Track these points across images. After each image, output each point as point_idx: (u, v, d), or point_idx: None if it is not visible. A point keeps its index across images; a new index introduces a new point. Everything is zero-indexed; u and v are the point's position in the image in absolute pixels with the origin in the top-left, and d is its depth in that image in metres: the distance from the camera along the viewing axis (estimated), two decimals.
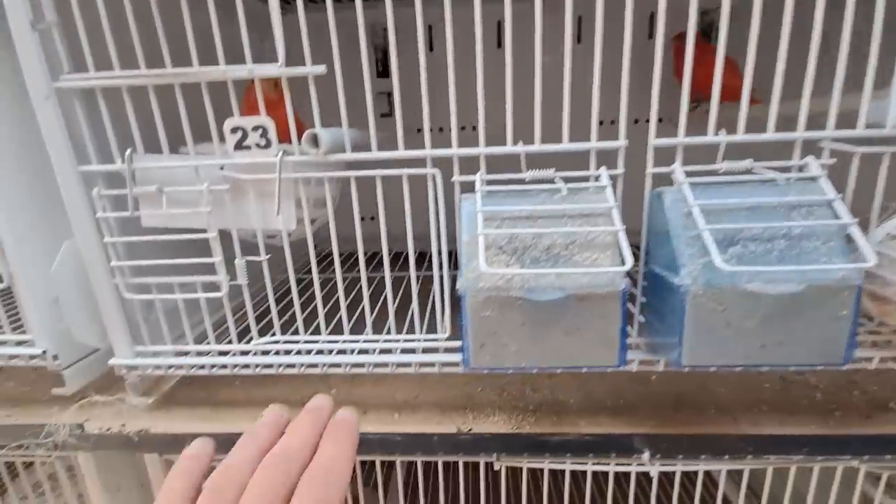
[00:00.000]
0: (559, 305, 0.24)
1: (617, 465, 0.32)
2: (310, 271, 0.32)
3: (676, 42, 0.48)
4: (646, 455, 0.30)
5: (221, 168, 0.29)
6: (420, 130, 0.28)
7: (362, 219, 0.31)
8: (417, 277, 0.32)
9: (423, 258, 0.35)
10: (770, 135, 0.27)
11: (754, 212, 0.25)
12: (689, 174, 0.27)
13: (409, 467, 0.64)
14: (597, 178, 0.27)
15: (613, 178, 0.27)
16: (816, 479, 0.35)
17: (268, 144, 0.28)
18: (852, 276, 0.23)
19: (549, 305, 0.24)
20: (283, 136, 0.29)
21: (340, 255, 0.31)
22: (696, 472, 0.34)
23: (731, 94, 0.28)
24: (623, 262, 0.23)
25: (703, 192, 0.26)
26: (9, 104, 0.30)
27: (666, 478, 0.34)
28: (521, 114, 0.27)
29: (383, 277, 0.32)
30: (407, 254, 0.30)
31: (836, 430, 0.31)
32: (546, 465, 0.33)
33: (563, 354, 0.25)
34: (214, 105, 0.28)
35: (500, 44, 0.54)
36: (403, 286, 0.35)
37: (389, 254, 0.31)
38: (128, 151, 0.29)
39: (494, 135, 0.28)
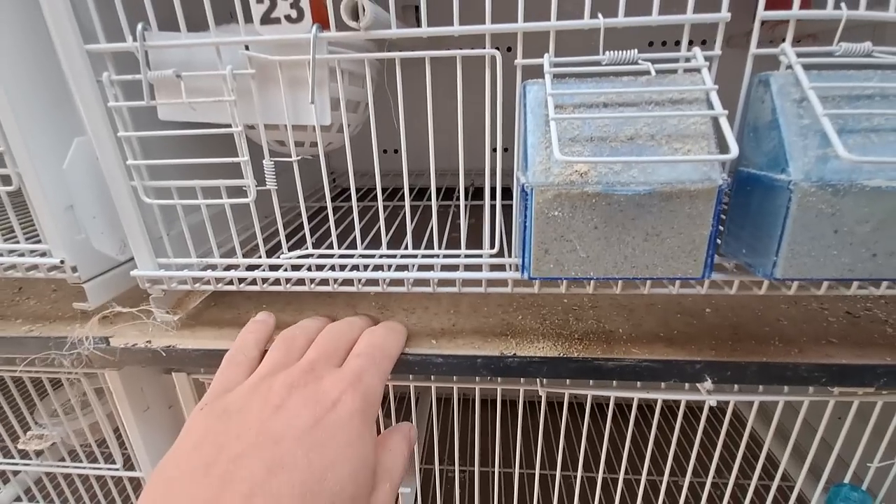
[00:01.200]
0: (640, 204, 0.21)
1: (667, 393, 0.30)
2: (332, 199, 0.28)
3: None
4: (707, 383, 0.28)
5: (246, 48, 0.25)
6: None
7: (384, 151, 0.28)
8: (466, 206, 0.29)
9: (449, 194, 0.31)
10: (892, 13, 0.22)
11: (877, 98, 0.21)
12: (801, 56, 0.22)
13: (440, 405, 0.65)
14: (688, 60, 0.23)
15: (709, 60, 0.23)
16: (877, 414, 0.33)
17: (300, 17, 0.24)
18: None
19: (628, 204, 0.21)
20: (317, 17, 0.25)
21: (358, 188, 0.28)
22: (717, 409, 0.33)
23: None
24: (728, 151, 0.20)
25: (819, 77, 0.22)
26: None
27: (690, 413, 0.33)
28: None
29: (416, 206, 0.28)
30: (443, 188, 0.26)
31: None
32: (589, 391, 0.31)
33: (638, 263, 0.22)
34: None
35: None
36: (439, 212, 0.31)
37: (413, 191, 0.28)
38: (139, 27, 0.25)
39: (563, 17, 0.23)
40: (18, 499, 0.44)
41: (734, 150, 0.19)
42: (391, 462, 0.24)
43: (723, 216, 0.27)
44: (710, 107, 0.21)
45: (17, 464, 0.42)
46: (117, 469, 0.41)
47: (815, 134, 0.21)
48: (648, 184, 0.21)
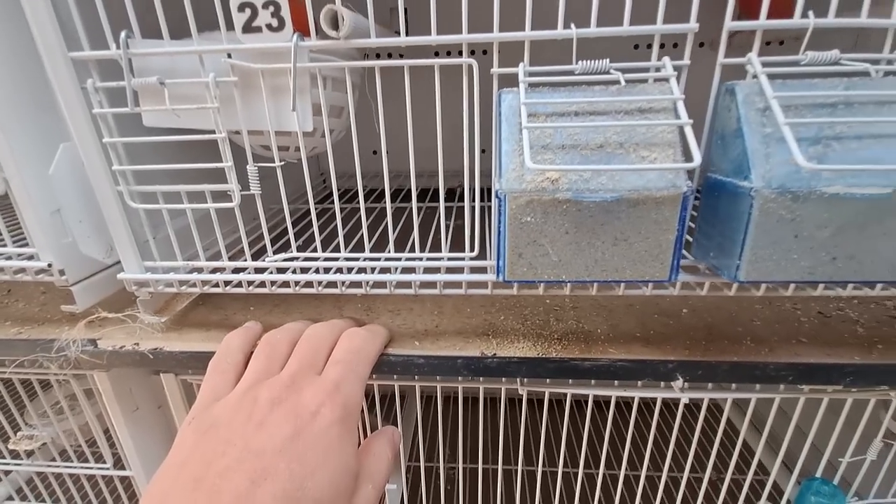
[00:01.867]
0: (609, 210, 0.22)
1: (643, 391, 0.31)
2: (321, 201, 0.29)
3: None
4: (678, 382, 0.29)
5: (229, 56, 0.26)
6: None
7: (373, 152, 0.28)
8: (446, 209, 0.29)
9: (436, 196, 0.32)
10: (863, 20, 0.23)
11: (840, 107, 0.22)
12: (766, 65, 0.23)
13: (426, 404, 0.66)
14: (658, 70, 0.24)
15: (678, 70, 0.23)
16: (847, 411, 0.34)
17: (280, 26, 0.25)
18: None
19: (597, 210, 0.22)
20: (298, 26, 0.26)
21: (346, 190, 0.28)
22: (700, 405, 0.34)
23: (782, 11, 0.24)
24: (690, 160, 0.20)
25: (783, 87, 0.23)
26: None
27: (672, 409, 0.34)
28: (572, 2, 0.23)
29: (397, 209, 0.29)
30: (424, 189, 0.27)
31: (880, 361, 0.29)
32: (569, 390, 0.32)
33: (608, 266, 0.23)
34: None
35: None
36: (422, 214, 0.32)
37: (399, 192, 0.28)
38: (122, 34, 0.25)
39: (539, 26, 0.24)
40: (10, 498, 0.45)
41: (697, 159, 0.20)
42: (374, 465, 0.25)
43: (692, 221, 0.27)
44: (677, 116, 0.22)
45: (7, 464, 0.42)
46: (108, 469, 0.42)
47: (777, 142, 0.22)
48: (616, 191, 0.21)
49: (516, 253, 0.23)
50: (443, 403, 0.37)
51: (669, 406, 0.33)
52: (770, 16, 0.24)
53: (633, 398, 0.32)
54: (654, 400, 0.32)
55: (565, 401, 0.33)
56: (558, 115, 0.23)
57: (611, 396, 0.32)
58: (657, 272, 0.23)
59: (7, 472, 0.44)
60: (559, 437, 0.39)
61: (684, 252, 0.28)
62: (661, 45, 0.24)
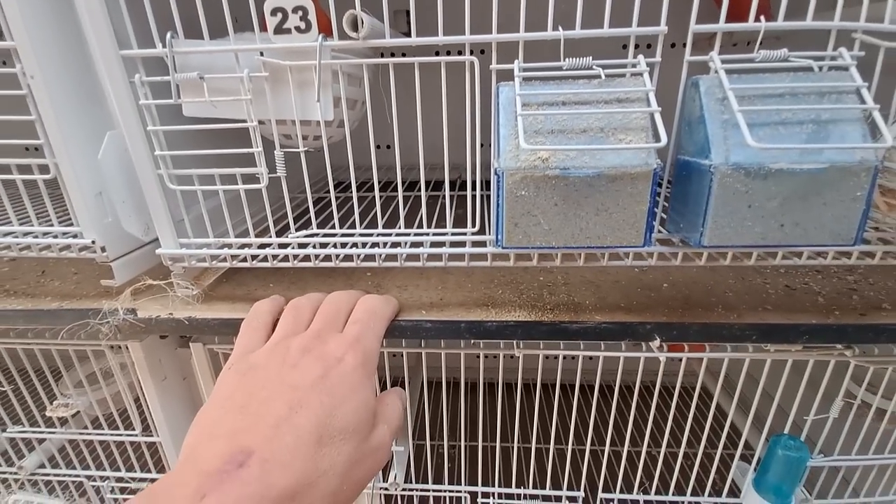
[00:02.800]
0: (591, 184, 0.26)
1: (627, 352, 0.35)
2: (336, 187, 0.33)
3: None
4: (656, 342, 0.33)
5: (261, 54, 0.29)
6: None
7: (386, 146, 0.32)
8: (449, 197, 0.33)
9: (439, 186, 0.36)
10: (808, 22, 0.27)
11: (786, 98, 0.26)
12: (725, 62, 0.27)
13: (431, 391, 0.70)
14: (634, 66, 0.27)
15: (651, 66, 0.27)
16: (809, 372, 0.38)
17: (308, 27, 0.28)
18: (870, 158, 0.24)
19: (581, 184, 0.26)
20: (322, 28, 0.29)
21: (361, 182, 0.32)
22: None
23: (760, 14, 0.28)
24: (658, 141, 0.24)
25: (739, 80, 0.26)
26: None
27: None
28: (561, 4, 0.27)
29: (405, 197, 0.33)
30: (431, 181, 0.31)
31: (834, 322, 0.33)
32: (561, 352, 0.36)
33: (591, 234, 0.27)
34: None
35: None
36: (429, 201, 0.36)
37: (404, 183, 0.32)
38: (168, 35, 0.29)
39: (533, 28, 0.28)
40: (42, 465, 0.48)
41: (663, 140, 0.24)
42: (388, 411, 0.28)
43: (666, 199, 0.31)
44: (648, 105, 0.26)
45: (43, 432, 0.45)
46: (136, 435, 0.45)
47: (733, 127, 0.25)
48: (597, 168, 0.25)
49: (512, 223, 0.27)
50: (446, 386, 0.41)
51: (649, 388, 0.37)
52: (757, 16, 0.27)
53: (613, 379, 0.36)
54: (634, 382, 0.36)
55: (556, 384, 0.37)
56: (548, 104, 0.27)
57: (595, 378, 0.36)
58: (633, 239, 0.27)
59: (41, 441, 0.47)
60: (551, 417, 0.43)
61: (660, 227, 0.32)
62: (648, 46, 0.28)
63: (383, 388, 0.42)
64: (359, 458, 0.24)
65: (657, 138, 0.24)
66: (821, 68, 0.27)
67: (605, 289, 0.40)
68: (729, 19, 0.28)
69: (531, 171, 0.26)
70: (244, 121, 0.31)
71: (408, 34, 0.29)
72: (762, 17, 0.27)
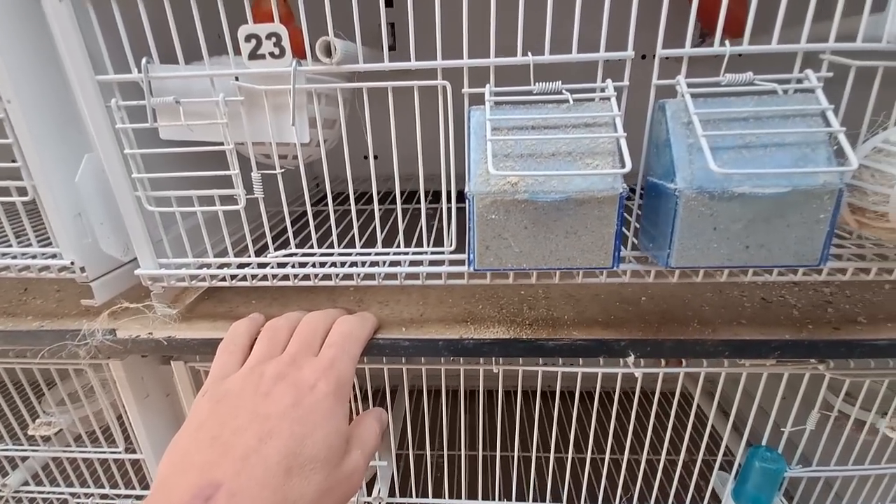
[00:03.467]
0: (560, 208, 0.26)
1: (605, 368, 0.35)
2: (316, 203, 0.33)
3: None
4: (631, 358, 0.33)
5: (236, 79, 0.30)
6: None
7: (364, 157, 0.32)
8: (427, 210, 0.34)
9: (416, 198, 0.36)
10: (773, 46, 0.28)
11: (751, 121, 0.27)
12: (692, 86, 0.27)
13: (413, 399, 0.70)
14: (602, 90, 0.28)
15: (619, 90, 0.28)
16: (784, 385, 0.38)
17: (282, 53, 0.29)
18: (835, 181, 0.25)
19: (550, 208, 0.26)
20: (296, 52, 0.30)
21: (338, 193, 0.32)
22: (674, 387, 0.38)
23: (735, 27, 0.28)
24: (623, 166, 0.25)
25: (705, 104, 0.27)
26: (23, 13, 0.30)
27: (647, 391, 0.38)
28: (531, 28, 0.28)
29: (385, 210, 0.33)
30: (409, 192, 0.31)
31: (806, 337, 0.34)
32: (539, 368, 0.36)
33: (561, 256, 0.27)
34: (229, 15, 0.28)
35: None
36: (409, 215, 0.36)
37: (389, 194, 0.32)
38: (143, 60, 0.29)
39: (504, 52, 0.28)
40: (26, 483, 0.48)
41: (628, 166, 0.25)
42: (364, 434, 0.29)
43: (637, 219, 0.32)
44: (615, 130, 0.26)
45: (26, 450, 0.45)
46: (119, 452, 0.45)
47: (697, 151, 0.26)
48: (565, 192, 0.26)
49: (484, 245, 0.27)
50: (427, 394, 0.41)
51: (628, 394, 0.37)
52: (725, 31, 0.28)
53: (595, 388, 0.36)
54: (614, 389, 0.37)
55: (537, 392, 0.37)
56: (518, 128, 0.27)
57: (575, 387, 0.36)
58: (602, 260, 0.27)
59: (24, 458, 0.47)
60: (532, 425, 0.43)
61: (634, 239, 0.32)
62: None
63: (363, 396, 0.43)
64: (330, 486, 0.24)
65: (623, 164, 0.25)
66: (786, 91, 0.28)
67: (585, 303, 0.40)
68: (702, 22, 0.28)
69: (501, 196, 0.26)
70: (221, 143, 0.31)
71: (393, 47, 0.29)
72: (727, 42, 0.28)
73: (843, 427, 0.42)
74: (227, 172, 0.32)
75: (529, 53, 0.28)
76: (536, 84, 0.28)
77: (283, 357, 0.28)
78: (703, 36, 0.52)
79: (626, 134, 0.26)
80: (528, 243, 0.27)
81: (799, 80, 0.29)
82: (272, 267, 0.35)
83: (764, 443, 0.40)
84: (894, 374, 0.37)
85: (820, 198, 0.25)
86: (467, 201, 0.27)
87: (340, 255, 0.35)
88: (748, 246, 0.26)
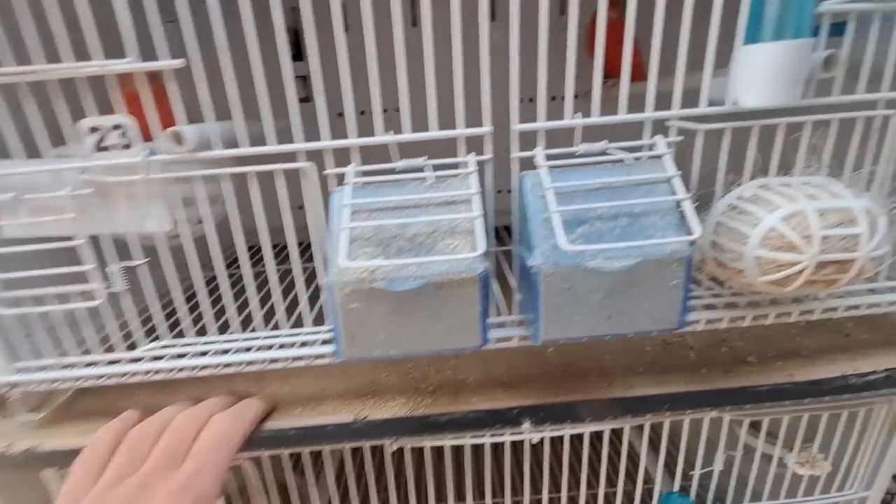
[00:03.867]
0: (421, 293, 0.25)
1: (492, 438, 0.34)
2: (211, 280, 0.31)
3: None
4: (525, 425, 0.33)
5: (83, 172, 0.28)
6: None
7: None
8: (304, 269, 0.32)
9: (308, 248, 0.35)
10: (621, 116, 0.29)
11: (603, 192, 0.27)
12: (551, 157, 0.28)
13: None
14: (466, 165, 0.28)
15: (482, 164, 0.28)
16: (688, 426, 0.39)
17: (129, 144, 0.27)
18: (682, 249, 0.26)
19: (411, 294, 0.25)
20: (148, 139, 0.28)
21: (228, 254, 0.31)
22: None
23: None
24: (475, 250, 0.25)
25: (561, 175, 0.28)
26: None
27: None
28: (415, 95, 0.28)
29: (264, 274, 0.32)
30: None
31: (698, 387, 0.34)
32: (447, 441, 0.35)
33: (429, 339, 0.27)
34: (73, 104, 0.27)
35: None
36: (287, 281, 0.34)
37: (275, 247, 0.31)
38: None
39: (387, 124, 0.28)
40: None
41: (481, 248, 0.24)
42: None
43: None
44: (472, 210, 0.26)
45: None
46: None
47: (552, 225, 0.26)
48: (424, 277, 0.25)
49: (349, 334, 0.26)
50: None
51: (574, 439, 0.37)
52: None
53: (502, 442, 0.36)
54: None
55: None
56: (380, 210, 0.27)
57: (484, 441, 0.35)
58: (470, 339, 0.27)
59: None
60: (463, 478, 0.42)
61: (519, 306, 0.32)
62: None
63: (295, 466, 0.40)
64: None
65: (474, 247, 0.25)
66: (639, 158, 0.29)
67: (492, 360, 0.39)
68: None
69: (359, 285, 0.25)
70: (71, 238, 0.29)
71: (306, 99, 0.27)
72: (578, 114, 0.29)
73: (755, 462, 0.43)
74: (81, 269, 0.29)
75: (391, 132, 0.28)
76: (400, 161, 0.28)
77: (136, 479, 0.26)
78: (607, 78, 0.55)
79: (482, 213, 0.26)
80: (393, 329, 0.26)
81: (650, 147, 0.30)
82: (145, 361, 0.32)
83: (676, 486, 0.40)
84: (789, 411, 0.38)
85: (669, 265, 0.26)
86: (327, 292, 0.26)
87: (209, 343, 0.33)
88: (610, 315, 0.27)
